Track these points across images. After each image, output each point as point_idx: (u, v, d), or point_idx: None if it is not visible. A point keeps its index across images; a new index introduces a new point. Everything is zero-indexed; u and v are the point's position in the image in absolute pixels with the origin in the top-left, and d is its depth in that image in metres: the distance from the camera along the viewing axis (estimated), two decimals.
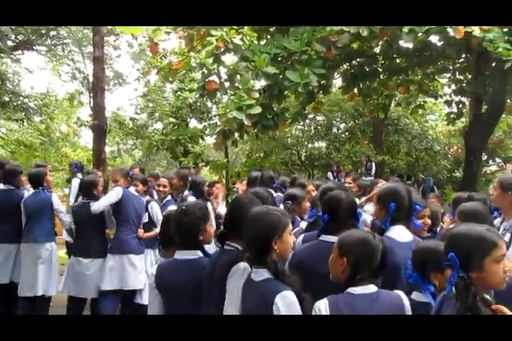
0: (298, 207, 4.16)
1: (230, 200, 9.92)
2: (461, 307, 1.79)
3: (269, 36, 9.62)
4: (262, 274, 2.29)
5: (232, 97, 9.07)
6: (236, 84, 8.43)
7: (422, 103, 13.86)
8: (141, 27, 9.08)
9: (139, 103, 18.80)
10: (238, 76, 8.25)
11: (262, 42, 9.19)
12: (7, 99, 16.99)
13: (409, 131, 18.85)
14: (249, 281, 2.34)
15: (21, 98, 17.66)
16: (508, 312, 1.81)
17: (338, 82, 12.86)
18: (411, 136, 18.83)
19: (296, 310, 2.17)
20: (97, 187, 5.37)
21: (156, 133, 17.43)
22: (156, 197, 5.98)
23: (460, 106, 12.07)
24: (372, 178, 12.49)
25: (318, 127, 19.85)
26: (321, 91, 9.89)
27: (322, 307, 2.12)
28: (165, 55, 10.06)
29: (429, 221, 3.61)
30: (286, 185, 5.88)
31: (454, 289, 1.85)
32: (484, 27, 7.22)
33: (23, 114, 17.43)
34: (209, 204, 4.68)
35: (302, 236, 3.24)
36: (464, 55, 10.30)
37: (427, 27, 7.30)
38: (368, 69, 10.56)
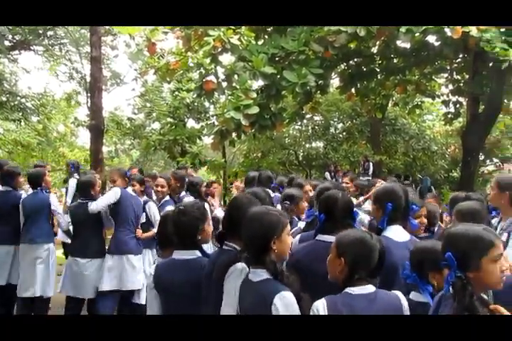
0: (296, 207, 4.17)
1: (227, 200, 9.93)
2: (459, 307, 1.79)
3: (266, 36, 9.63)
4: (260, 275, 2.29)
5: (229, 97, 9.07)
6: (233, 84, 8.44)
7: (419, 103, 13.91)
8: (138, 27, 9.10)
9: (136, 103, 18.82)
10: (236, 76, 8.26)
11: (260, 42, 9.21)
12: (4, 99, 16.98)
13: (406, 131, 18.88)
14: (247, 282, 2.34)
15: (18, 98, 17.65)
16: (505, 312, 1.81)
17: (335, 82, 12.88)
18: (408, 136, 18.86)
19: (294, 310, 2.17)
20: (94, 187, 5.36)
21: (154, 133, 17.44)
22: (154, 197, 5.97)
23: (457, 106, 12.10)
24: (370, 178, 12.50)
25: (316, 127, 19.87)
26: (318, 91, 9.92)
27: (320, 307, 2.12)
28: (162, 55, 10.08)
29: (425, 220, 3.61)
30: (284, 185, 5.88)
31: (451, 289, 1.85)
32: (481, 27, 7.24)
33: (21, 114, 17.42)
34: (206, 204, 4.67)
35: (299, 236, 3.25)
36: (461, 55, 10.33)
37: (424, 27, 7.32)
38: (365, 69, 10.59)
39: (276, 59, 8.32)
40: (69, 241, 5.77)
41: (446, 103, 12.24)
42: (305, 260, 2.68)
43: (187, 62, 9.38)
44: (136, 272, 5.15)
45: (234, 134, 8.73)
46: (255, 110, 7.76)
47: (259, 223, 2.34)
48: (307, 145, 20.28)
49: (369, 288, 2.17)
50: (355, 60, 10.60)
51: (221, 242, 2.72)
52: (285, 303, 2.16)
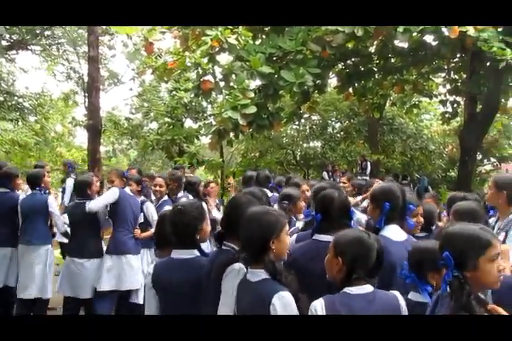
0: (294, 206, 4.16)
1: (225, 200, 9.94)
2: (456, 306, 1.79)
3: (264, 36, 9.63)
4: (258, 275, 2.29)
5: (227, 97, 9.06)
6: (231, 84, 8.43)
7: (416, 102, 13.90)
8: (136, 27, 9.06)
9: (134, 103, 18.80)
10: (233, 75, 8.25)
11: (257, 42, 9.20)
12: (1, 98, 16.96)
13: (404, 131, 18.90)
14: (245, 282, 2.34)
15: (16, 98, 17.63)
16: (503, 312, 1.81)
17: (333, 81, 12.90)
18: (406, 136, 18.88)
19: (293, 310, 2.17)
20: (91, 187, 5.34)
21: (151, 133, 17.43)
22: (153, 197, 5.97)
23: (455, 105, 12.11)
24: (368, 178, 12.52)
25: (314, 127, 19.88)
26: (316, 91, 9.91)
27: (318, 307, 2.11)
28: (160, 54, 10.06)
29: (421, 219, 3.61)
30: (282, 184, 5.88)
31: (448, 288, 1.85)
32: (479, 26, 7.25)
33: (18, 113, 17.40)
34: (204, 204, 4.67)
35: (295, 235, 3.25)
36: (458, 55, 10.35)
37: (421, 27, 7.32)
38: (363, 68, 10.58)
39: (274, 58, 8.31)
40: (66, 241, 5.76)
41: (443, 102, 12.24)
42: (301, 259, 2.68)
43: (184, 62, 9.36)
44: (135, 272, 5.15)
45: (232, 134, 8.73)
46: (253, 110, 7.75)
47: (257, 223, 2.34)
48: (305, 145, 20.27)
49: (367, 288, 2.16)
50: (353, 59, 10.60)
51: (220, 242, 2.72)
52: (284, 303, 2.16)
